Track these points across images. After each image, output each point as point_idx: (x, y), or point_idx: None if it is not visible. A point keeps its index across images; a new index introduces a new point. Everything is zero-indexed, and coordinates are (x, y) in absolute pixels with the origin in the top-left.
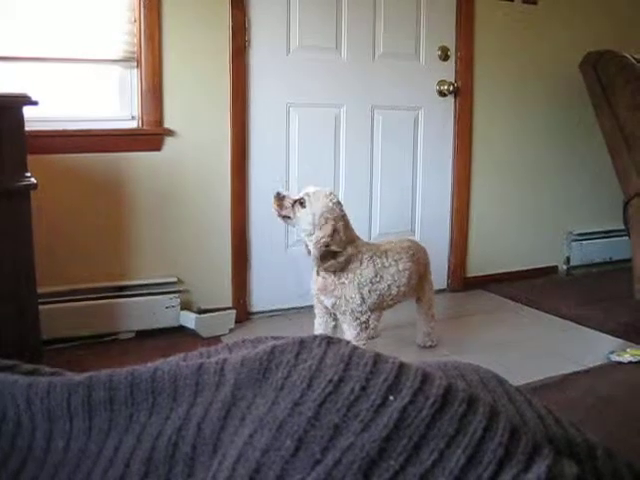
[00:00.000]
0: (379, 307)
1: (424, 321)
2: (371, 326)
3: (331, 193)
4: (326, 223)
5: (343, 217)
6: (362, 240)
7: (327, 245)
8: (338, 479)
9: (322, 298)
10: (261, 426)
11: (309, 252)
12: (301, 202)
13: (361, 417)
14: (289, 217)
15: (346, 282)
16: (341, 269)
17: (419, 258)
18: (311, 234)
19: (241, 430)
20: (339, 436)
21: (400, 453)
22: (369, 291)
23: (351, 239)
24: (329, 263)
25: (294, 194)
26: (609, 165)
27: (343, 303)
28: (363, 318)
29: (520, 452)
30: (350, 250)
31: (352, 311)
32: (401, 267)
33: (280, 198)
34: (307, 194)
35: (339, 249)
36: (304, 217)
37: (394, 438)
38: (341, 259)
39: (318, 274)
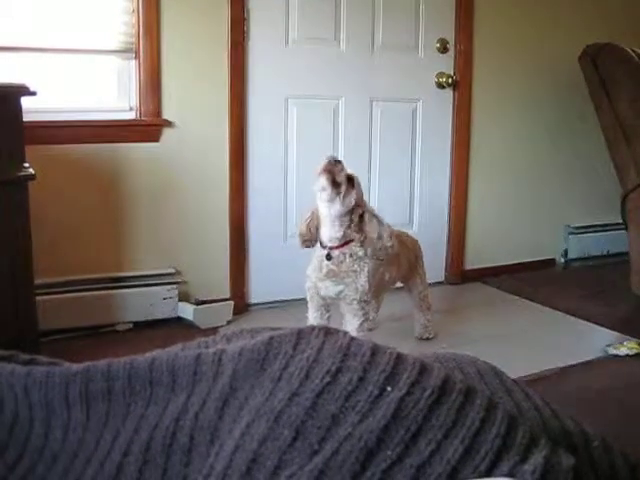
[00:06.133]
0: (376, 294)
1: (420, 313)
2: (370, 318)
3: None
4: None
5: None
6: None
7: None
8: (336, 469)
9: (326, 285)
10: (259, 416)
11: (305, 243)
12: (351, 180)
13: (359, 408)
14: (340, 186)
15: (358, 269)
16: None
17: (408, 244)
18: (341, 216)
19: (239, 420)
20: (337, 426)
21: (397, 444)
22: (374, 278)
23: None
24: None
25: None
26: (607, 158)
27: (352, 292)
28: (368, 307)
29: (517, 443)
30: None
31: (359, 300)
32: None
33: (337, 164)
34: (357, 177)
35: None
36: (347, 198)
37: (391, 429)
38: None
39: (329, 259)
